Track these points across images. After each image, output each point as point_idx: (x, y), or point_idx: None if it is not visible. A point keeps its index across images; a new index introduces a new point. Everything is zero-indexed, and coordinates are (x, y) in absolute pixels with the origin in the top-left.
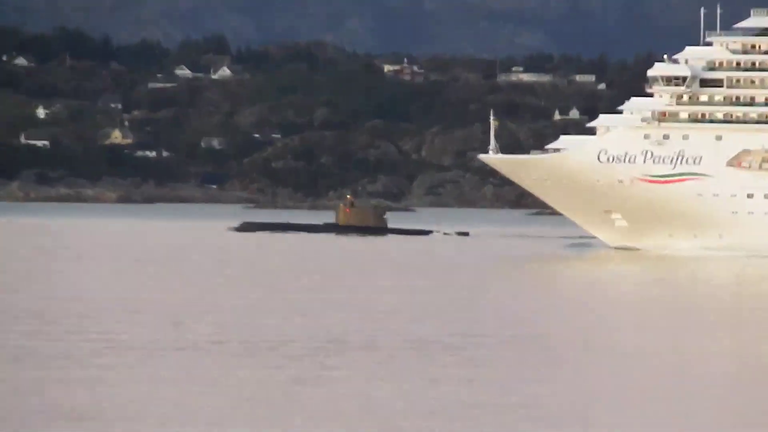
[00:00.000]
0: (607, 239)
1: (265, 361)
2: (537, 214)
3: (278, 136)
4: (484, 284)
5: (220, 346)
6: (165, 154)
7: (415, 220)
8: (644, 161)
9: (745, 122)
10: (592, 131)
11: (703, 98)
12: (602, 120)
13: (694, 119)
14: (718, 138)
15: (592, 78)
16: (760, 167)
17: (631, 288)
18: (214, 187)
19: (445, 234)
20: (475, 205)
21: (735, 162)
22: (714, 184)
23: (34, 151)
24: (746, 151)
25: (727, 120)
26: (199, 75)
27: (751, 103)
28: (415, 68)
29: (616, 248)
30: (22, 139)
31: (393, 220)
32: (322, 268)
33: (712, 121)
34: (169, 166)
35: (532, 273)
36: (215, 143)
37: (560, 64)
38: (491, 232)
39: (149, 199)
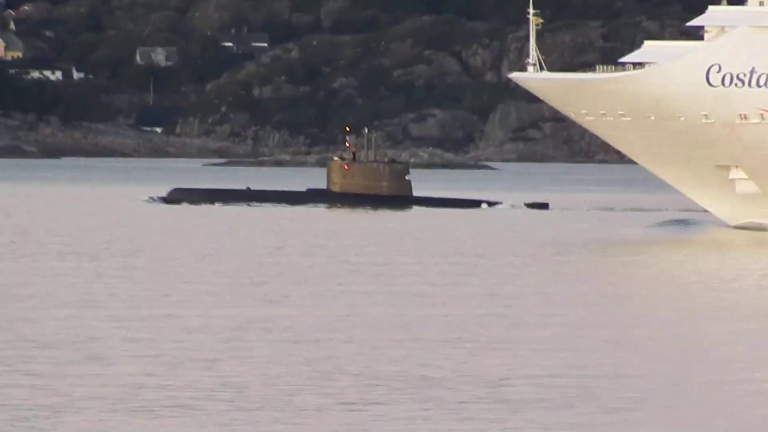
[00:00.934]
0: (723, 214)
1: None
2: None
3: (263, 44)
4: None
5: None
6: (76, 75)
7: (464, 184)
8: None
9: None
10: (696, 34)
11: None
12: (713, 15)
13: None
14: None
15: None
16: None
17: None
18: (157, 130)
19: (512, 206)
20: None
21: None
22: None
23: None
24: None
25: None
26: None
27: None
28: None
29: (739, 228)
30: None
31: (426, 181)
32: (292, 280)
33: None
34: (81, 95)
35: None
36: (158, 57)
37: None
38: (578, 201)
39: (50, 150)
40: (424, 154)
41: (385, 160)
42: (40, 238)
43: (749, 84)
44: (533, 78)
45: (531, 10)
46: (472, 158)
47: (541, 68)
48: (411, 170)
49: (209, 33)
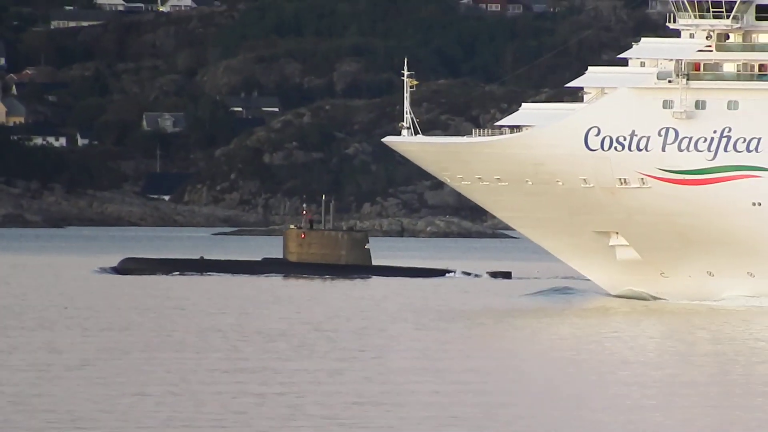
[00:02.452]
0: (603, 282)
1: None
2: None
3: (274, 109)
4: None
5: None
6: (81, 141)
7: (426, 251)
8: (663, 147)
9: None
10: (575, 96)
11: (764, 39)
12: (592, 77)
13: (746, 74)
14: None
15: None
16: None
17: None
18: (165, 198)
19: (467, 274)
20: None
21: None
22: None
23: None
24: None
25: None
26: (138, 5)
27: None
28: None
29: (620, 296)
30: None
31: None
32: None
33: None
34: (87, 161)
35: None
36: (165, 122)
37: None
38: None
39: (54, 219)
40: (440, 222)
41: (344, 228)
42: None
43: (629, 148)
44: (407, 141)
45: (405, 72)
46: (490, 226)
47: (416, 132)
48: (428, 238)
49: (218, 97)
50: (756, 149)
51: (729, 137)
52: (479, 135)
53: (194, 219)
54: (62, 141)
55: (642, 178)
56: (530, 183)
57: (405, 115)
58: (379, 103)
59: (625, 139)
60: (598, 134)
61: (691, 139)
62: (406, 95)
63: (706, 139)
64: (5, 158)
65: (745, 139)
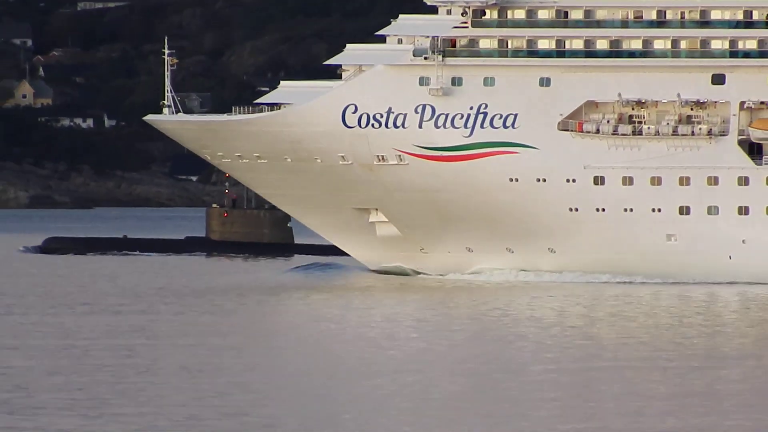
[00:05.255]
0: (363, 257)
1: None
2: None
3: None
4: None
5: None
6: (108, 122)
7: None
8: (420, 124)
9: (590, 54)
10: (333, 73)
11: (519, 15)
12: (350, 54)
13: (502, 51)
14: (545, 82)
15: None
16: (615, 131)
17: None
18: (192, 178)
19: None
20: None
21: (573, 123)
22: (537, 161)
23: None
24: (591, 104)
25: (560, 52)
26: None
27: (600, 22)
28: None
29: (378, 272)
30: None
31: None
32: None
33: (533, 54)
34: (114, 143)
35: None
36: (192, 103)
37: None
38: None
39: (82, 200)
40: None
41: (266, 206)
42: None
43: (386, 125)
44: (167, 120)
45: (166, 50)
46: None
47: (177, 110)
48: None
49: (244, 77)
50: (512, 125)
51: (486, 114)
52: (238, 113)
53: (223, 199)
54: (90, 122)
55: (399, 155)
56: (289, 160)
57: (166, 94)
58: None
59: (382, 116)
60: (355, 111)
61: (447, 115)
62: (167, 74)
63: (462, 116)
64: (33, 140)
65: (501, 116)
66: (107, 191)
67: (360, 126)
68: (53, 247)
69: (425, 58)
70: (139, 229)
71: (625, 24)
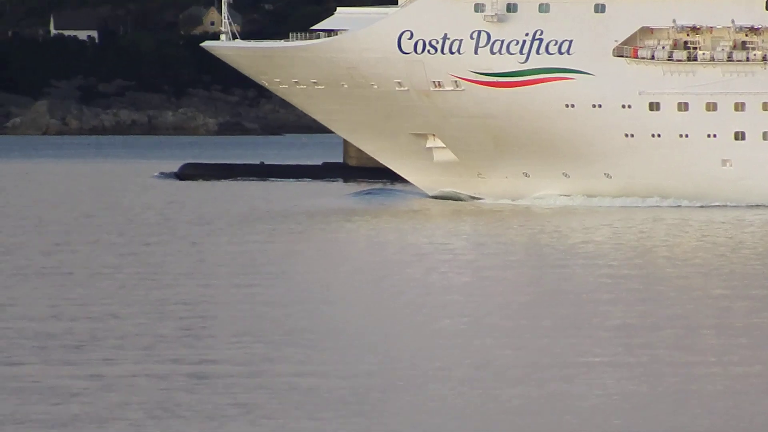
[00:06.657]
0: (421, 183)
1: None
2: None
3: None
4: None
5: None
6: None
7: None
8: (476, 50)
9: None
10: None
11: None
12: None
13: None
14: (600, 8)
15: None
16: (670, 57)
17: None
18: None
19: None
20: None
21: (628, 50)
22: (593, 87)
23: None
24: (646, 30)
25: None
26: None
27: None
28: None
29: (437, 198)
30: None
31: None
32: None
33: None
34: None
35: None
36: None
37: None
38: None
39: (271, 127)
40: None
41: None
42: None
43: (442, 51)
44: (225, 46)
45: None
46: None
47: (234, 37)
48: None
49: None
50: (568, 52)
51: (541, 40)
52: (295, 39)
53: None
54: None
55: (455, 81)
56: (346, 86)
57: (223, 21)
58: None
59: (437, 42)
60: (411, 38)
61: (503, 42)
62: (224, 3)
63: (518, 42)
64: (223, 67)
65: (557, 42)
66: (296, 118)
67: (416, 52)
68: (188, 173)
69: None
70: (280, 156)
71: None
